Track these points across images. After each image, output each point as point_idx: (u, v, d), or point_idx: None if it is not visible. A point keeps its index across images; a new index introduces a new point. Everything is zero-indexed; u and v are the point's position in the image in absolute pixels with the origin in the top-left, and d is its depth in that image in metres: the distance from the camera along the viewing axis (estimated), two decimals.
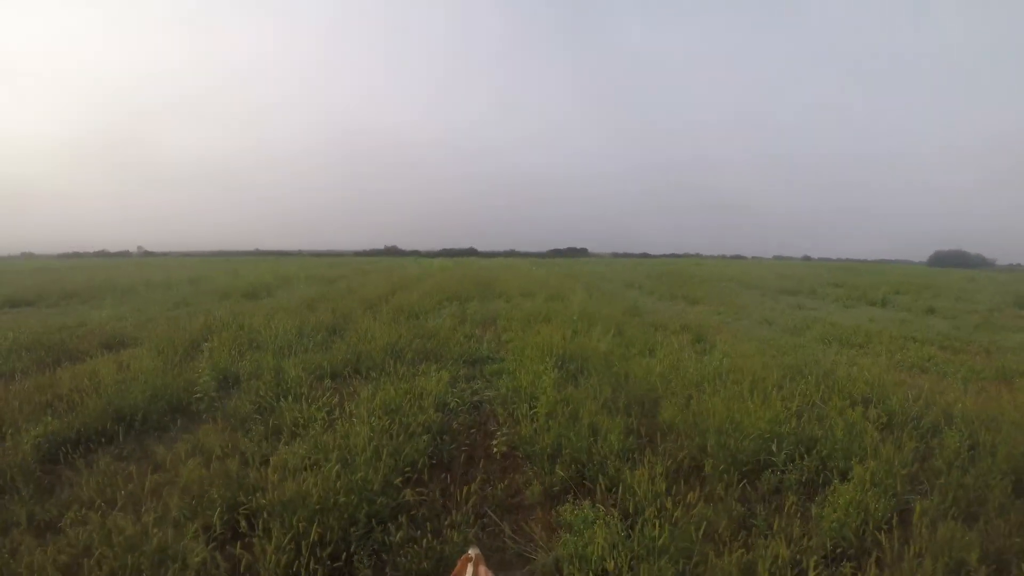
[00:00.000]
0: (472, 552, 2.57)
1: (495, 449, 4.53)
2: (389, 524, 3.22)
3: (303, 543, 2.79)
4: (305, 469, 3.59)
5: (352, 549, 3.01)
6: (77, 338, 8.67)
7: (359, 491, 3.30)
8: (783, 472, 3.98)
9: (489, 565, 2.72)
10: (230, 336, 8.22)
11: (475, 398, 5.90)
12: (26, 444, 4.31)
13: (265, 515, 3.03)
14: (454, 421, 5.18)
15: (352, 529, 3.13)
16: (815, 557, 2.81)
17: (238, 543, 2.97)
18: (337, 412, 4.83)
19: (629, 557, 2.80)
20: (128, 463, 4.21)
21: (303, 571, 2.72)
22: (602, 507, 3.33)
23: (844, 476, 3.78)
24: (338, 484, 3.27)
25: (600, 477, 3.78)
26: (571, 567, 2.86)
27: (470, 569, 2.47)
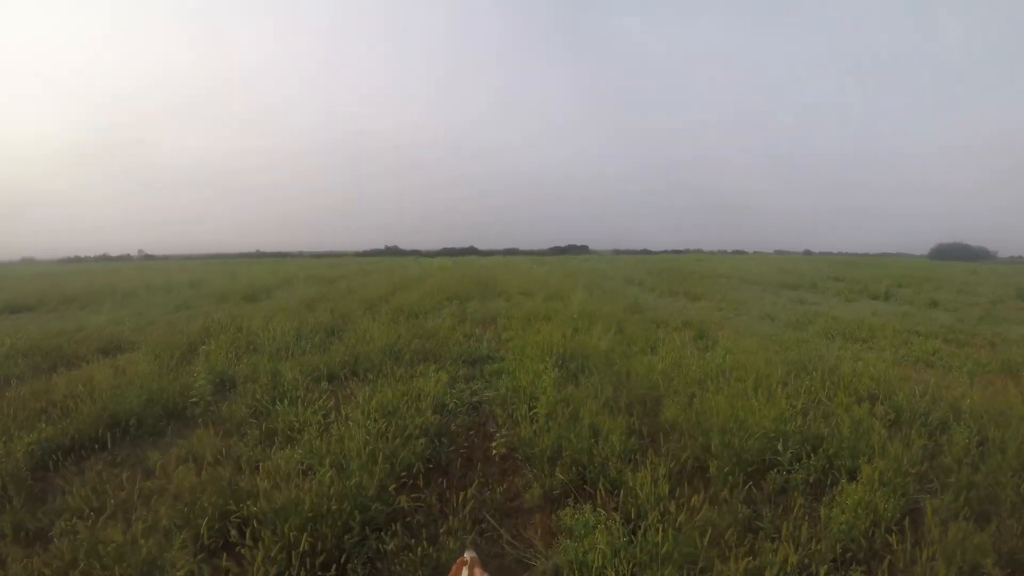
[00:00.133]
0: (468, 555, 2.50)
1: (494, 451, 4.44)
2: (384, 531, 3.14)
3: (293, 553, 2.70)
4: (298, 475, 3.51)
5: (344, 559, 2.92)
6: (75, 343, 8.60)
7: (353, 497, 3.21)
8: (789, 472, 3.89)
9: (488, 571, 2.65)
10: (228, 339, 8.16)
11: (474, 399, 5.81)
12: (18, 452, 4.23)
13: (255, 524, 2.95)
14: (452, 423, 5.09)
15: (346, 537, 3.04)
16: (825, 564, 2.71)
17: (224, 554, 2.89)
18: (333, 416, 4.75)
19: (631, 564, 2.71)
20: (122, 469, 4.14)
21: None
22: (603, 511, 3.24)
23: (852, 475, 3.68)
24: (331, 491, 3.19)
25: (601, 479, 3.69)
26: (572, 575, 2.77)
27: (465, 572, 2.41)
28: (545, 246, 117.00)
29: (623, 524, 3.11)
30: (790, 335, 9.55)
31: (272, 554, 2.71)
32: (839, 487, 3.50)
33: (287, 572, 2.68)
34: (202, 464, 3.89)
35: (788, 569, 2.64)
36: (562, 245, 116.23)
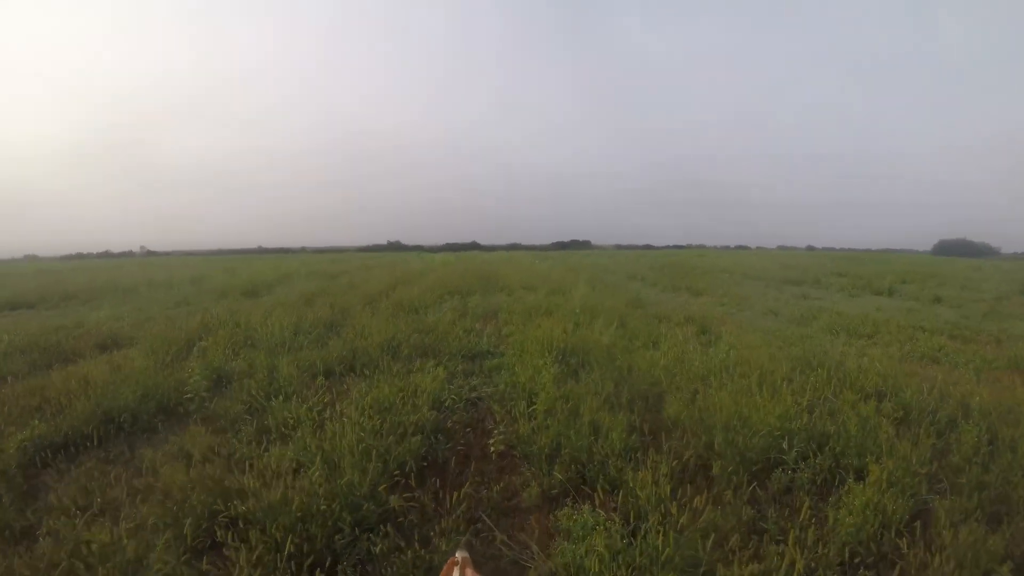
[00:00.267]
0: (459, 555, 2.41)
1: (492, 448, 4.35)
2: (375, 532, 3.04)
3: (279, 555, 2.61)
4: (289, 473, 3.42)
5: (329, 561, 2.83)
6: (73, 339, 8.55)
7: (344, 496, 3.12)
8: (794, 471, 3.78)
9: (484, 573, 2.56)
10: (226, 334, 8.09)
11: (473, 394, 5.71)
12: (10, 449, 4.18)
13: (240, 524, 2.86)
14: (449, 419, 4.99)
15: (337, 537, 2.95)
16: (832, 570, 2.61)
17: (205, 557, 2.81)
18: (328, 412, 4.66)
19: (630, 569, 2.61)
20: (114, 466, 4.09)
21: None
22: (602, 512, 3.14)
23: (859, 475, 3.58)
24: (321, 490, 3.09)
25: (601, 478, 3.59)
26: None
27: (456, 572, 2.32)
28: (548, 241, 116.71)
29: (622, 525, 3.01)
30: (794, 331, 9.43)
31: (258, 556, 2.62)
32: (846, 487, 3.39)
33: (273, 575, 2.59)
34: (192, 461, 3.82)
35: (795, 574, 2.53)
36: (565, 240, 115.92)
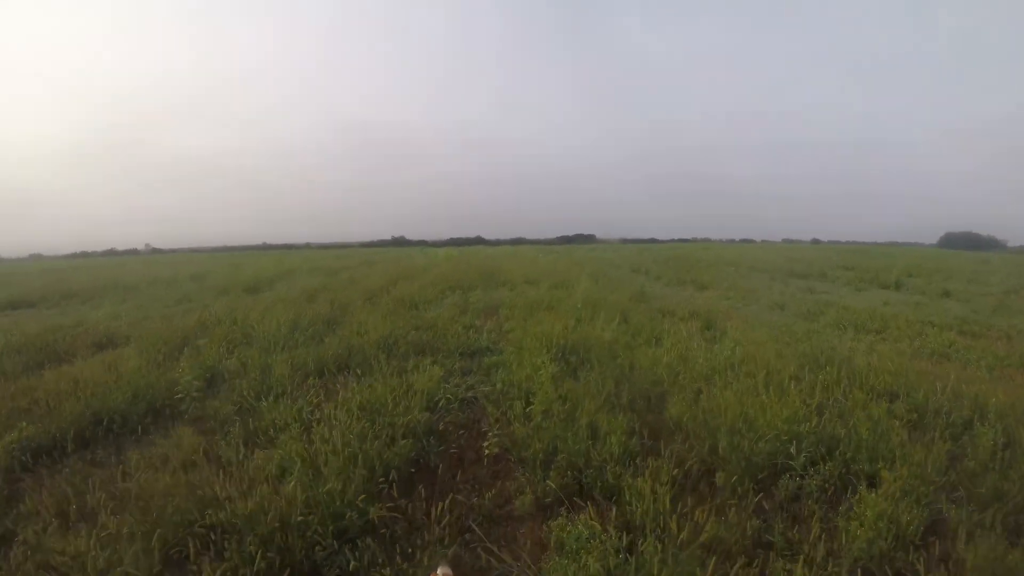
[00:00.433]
0: (441, 571, 2.27)
1: (486, 452, 4.18)
2: (358, 543, 2.89)
3: (249, 570, 2.46)
4: (269, 481, 3.27)
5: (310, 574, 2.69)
6: (69, 339, 8.45)
7: (326, 506, 2.97)
8: (802, 477, 3.58)
9: None
10: (223, 332, 7.97)
11: (469, 394, 5.54)
12: None
13: (213, 536, 2.72)
14: (443, 421, 4.82)
15: (317, 549, 2.80)
16: None
17: (176, 570, 2.67)
18: (317, 414, 4.52)
19: None
20: (100, 470, 3.98)
21: None
22: (598, 524, 2.96)
23: (871, 481, 3.39)
24: (301, 498, 2.94)
25: (598, 485, 3.42)
26: None
27: None
28: (552, 235, 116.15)
29: (619, 538, 2.83)
30: (801, 326, 9.20)
31: (225, 570, 2.47)
32: (857, 496, 3.20)
33: None
34: (175, 466, 3.69)
35: None
36: (569, 234, 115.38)
